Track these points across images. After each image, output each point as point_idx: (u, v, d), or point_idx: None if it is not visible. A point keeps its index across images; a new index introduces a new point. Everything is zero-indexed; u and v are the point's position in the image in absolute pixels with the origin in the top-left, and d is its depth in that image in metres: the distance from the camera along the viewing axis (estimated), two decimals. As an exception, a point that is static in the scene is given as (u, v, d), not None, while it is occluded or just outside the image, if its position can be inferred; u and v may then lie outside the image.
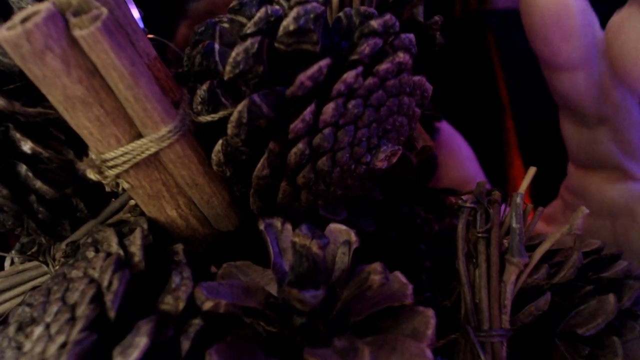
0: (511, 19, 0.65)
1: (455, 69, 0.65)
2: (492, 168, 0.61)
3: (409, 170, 0.28)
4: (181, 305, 0.19)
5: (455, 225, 0.27)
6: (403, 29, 0.26)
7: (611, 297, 0.26)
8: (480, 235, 0.25)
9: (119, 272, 0.20)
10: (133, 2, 0.24)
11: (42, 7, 0.18)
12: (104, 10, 0.19)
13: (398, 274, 0.23)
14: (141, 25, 0.25)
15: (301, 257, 0.21)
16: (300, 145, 0.20)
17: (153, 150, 0.21)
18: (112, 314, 0.19)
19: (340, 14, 0.23)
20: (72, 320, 0.19)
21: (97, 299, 0.19)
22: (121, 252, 0.21)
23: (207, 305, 0.19)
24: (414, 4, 0.27)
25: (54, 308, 0.20)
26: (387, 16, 0.21)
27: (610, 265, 0.28)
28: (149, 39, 0.29)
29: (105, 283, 0.19)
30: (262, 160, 0.21)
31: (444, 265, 0.30)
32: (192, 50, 0.23)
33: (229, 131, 0.21)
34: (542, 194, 0.56)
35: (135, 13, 0.24)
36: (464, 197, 0.25)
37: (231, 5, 0.23)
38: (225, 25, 0.24)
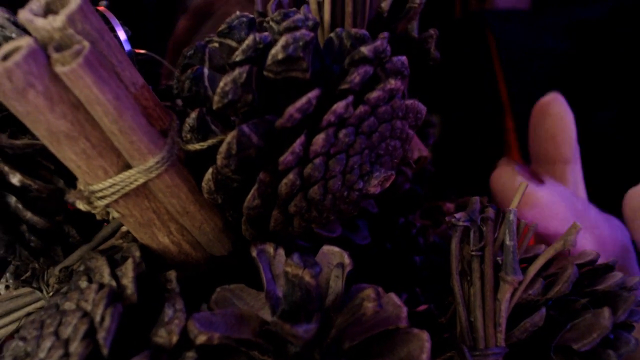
0: (511, 19, 0.64)
1: (455, 69, 0.64)
2: (492, 168, 0.60)
3: (403, 185, 0.28)
4: (174, 338, 0.19)
5: (451, 236, 0.27)
6: (397, 43, 0.26)
7: (606, 311, 0.26)
8: (474, 253, 0.25)
9: (111, 307, 0.19)
10: (119, 24, 0.24)
11: (24, 42, 0.18)
12: (86, 45, 0.18)
13: (392, 295, 0.23)
14: (128, 47, 0.24)
15: (294, 287, 0.21)
16: (290, 176, 0.20)
17: (141, 181, 0.21)
18: (105, 351, 0.19)
19: (332, 35, 0.23)
20: (66, 356, 0.19)
21: (90, 335, 0.19)
22: (113, 283, 0.21)
23: (201, 339, 0.19)
24: (408, 19, 0.27)
25: (48, 343, 0.20)
26: (378, 42, 0.21)
27: (604, 276, 0.28)
28: (141, 54, 0.28)
29: (97, 318, 0.19)
30: (252, 191, 0.21)
31: (439, 277, 0.30)
32: (182, 74, 0.23)
33: (219, 162, 0.20)
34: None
35: (122, 35, 0.24)
36: (457, 215, 0.25)
37: (220, 28, 0.22)
38: (216, 45, 0.23)
